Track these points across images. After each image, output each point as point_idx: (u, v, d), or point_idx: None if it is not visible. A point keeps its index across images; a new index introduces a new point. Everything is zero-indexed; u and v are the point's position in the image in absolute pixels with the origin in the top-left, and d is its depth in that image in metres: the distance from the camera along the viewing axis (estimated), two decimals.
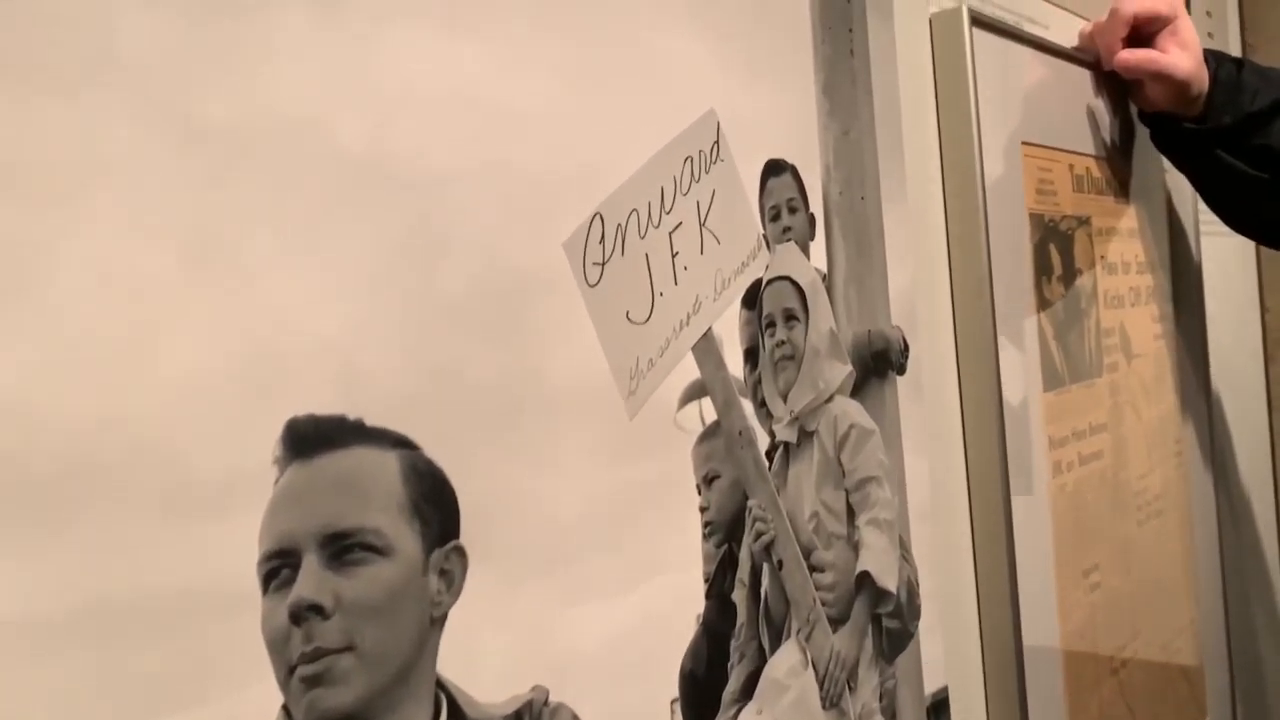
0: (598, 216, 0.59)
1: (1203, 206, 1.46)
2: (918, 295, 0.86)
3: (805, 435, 0.73)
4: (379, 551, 0.47)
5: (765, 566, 0.69)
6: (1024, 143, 0.99)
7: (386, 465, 0.48)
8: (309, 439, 0.45)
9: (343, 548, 0.46)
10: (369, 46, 0.48)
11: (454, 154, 0.51)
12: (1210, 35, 1.58)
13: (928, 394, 0.86)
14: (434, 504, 0.49)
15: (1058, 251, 1.03)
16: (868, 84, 0.82)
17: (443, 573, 0.50)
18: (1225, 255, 1.60)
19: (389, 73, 0.49)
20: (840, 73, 0.79)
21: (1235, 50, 1.75)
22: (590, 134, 0.59)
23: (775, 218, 0.72)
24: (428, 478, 0.49)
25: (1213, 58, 1.09)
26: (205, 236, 0.43)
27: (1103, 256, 1.12)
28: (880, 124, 0.82)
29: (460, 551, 0.50)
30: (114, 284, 0.40)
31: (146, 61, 0.41)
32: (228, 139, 0.43)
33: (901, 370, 0.83)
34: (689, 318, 0.65)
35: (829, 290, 0.77)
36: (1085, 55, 1.11)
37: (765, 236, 0.72)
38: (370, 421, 0.47)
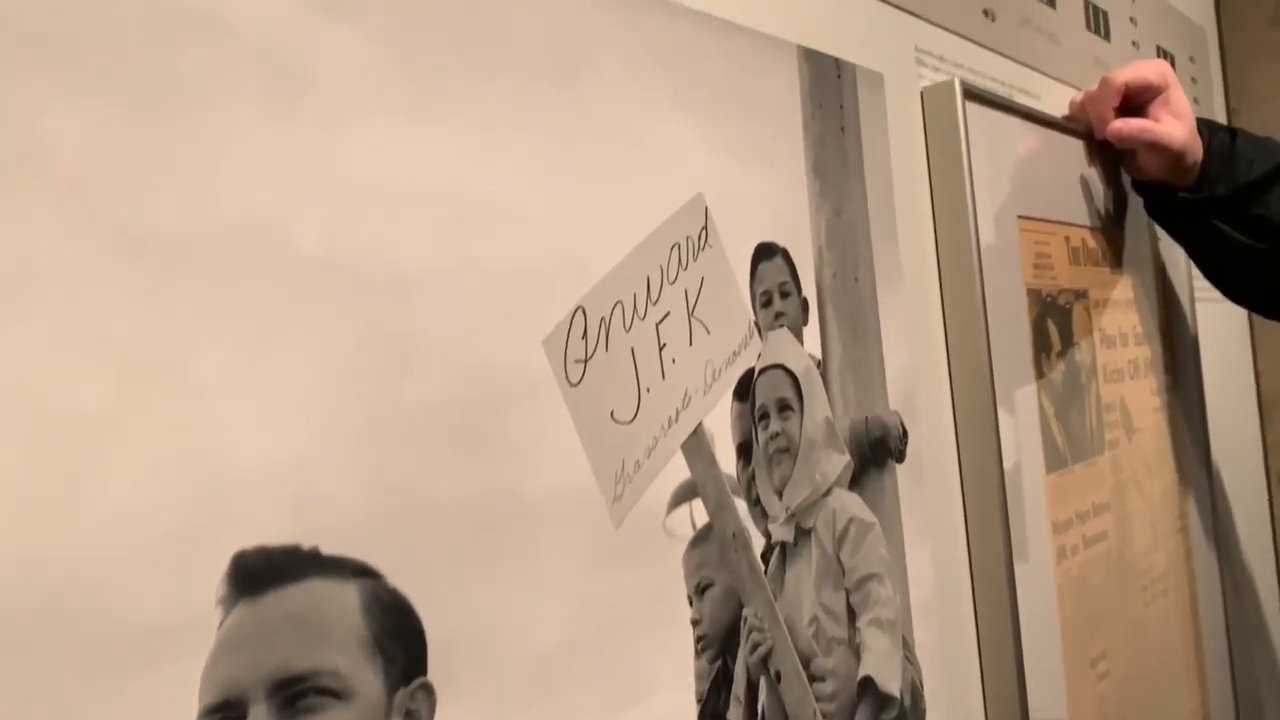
0: (580, 311, 0.55)
1: (1196, 274, 1.44)
2: (916, 379, 0.82)
3: (802, 533, 0.69)
4: (336, 695, 0.42)
5: (762, 680, 0.64)
6: (1020, 216, 0.96)
7: (345, 598, 0.43)
8: (258, 574, 0.40)
9: (295, 694, 0.41)
10: (328, 140, 0.45)
11: (420, 252, 0.48)
12: (1196, 100, 1.57)
13: (928, 481, 0.82)
14: (398, 638, 0.45)
15: (1056, 327, 1.00)
16: (860, 162, 0.79)
17: (408, 714, 0.45)
18: (1217, 319, 1.58)
19: (349, 168, 0.45)
20: (831, 151, 0.76)
21: (1220, 115, 1.75)
22: (570, 225, 0.55)
23: (767, 303, 0.69)
24: (391, 609, 0.44)
25: (1206, 127, 1.07)
26: (144, 355, 0.38)
27: (1101, 330, 1.09)
28: (873, 203, 0.79)
29: (427, 689, 0.46)
30: (40, 411, 0.36)
31: (78, 161, 0.37)
32: (170, 246, 0.39)
33: (901, 458, 0.79)
34: (678, 414, 0.61)
35: (824, 377, 0.73)
36: (1077, 125, 1.09)
37: (757, 323, 0.68)
38: (327, 550, 0.43)
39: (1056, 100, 1.12)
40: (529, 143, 0.54)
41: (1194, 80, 1.58)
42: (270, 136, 0.42)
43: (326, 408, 0.43)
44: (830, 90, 0.77)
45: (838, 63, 0.78)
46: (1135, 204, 1.18)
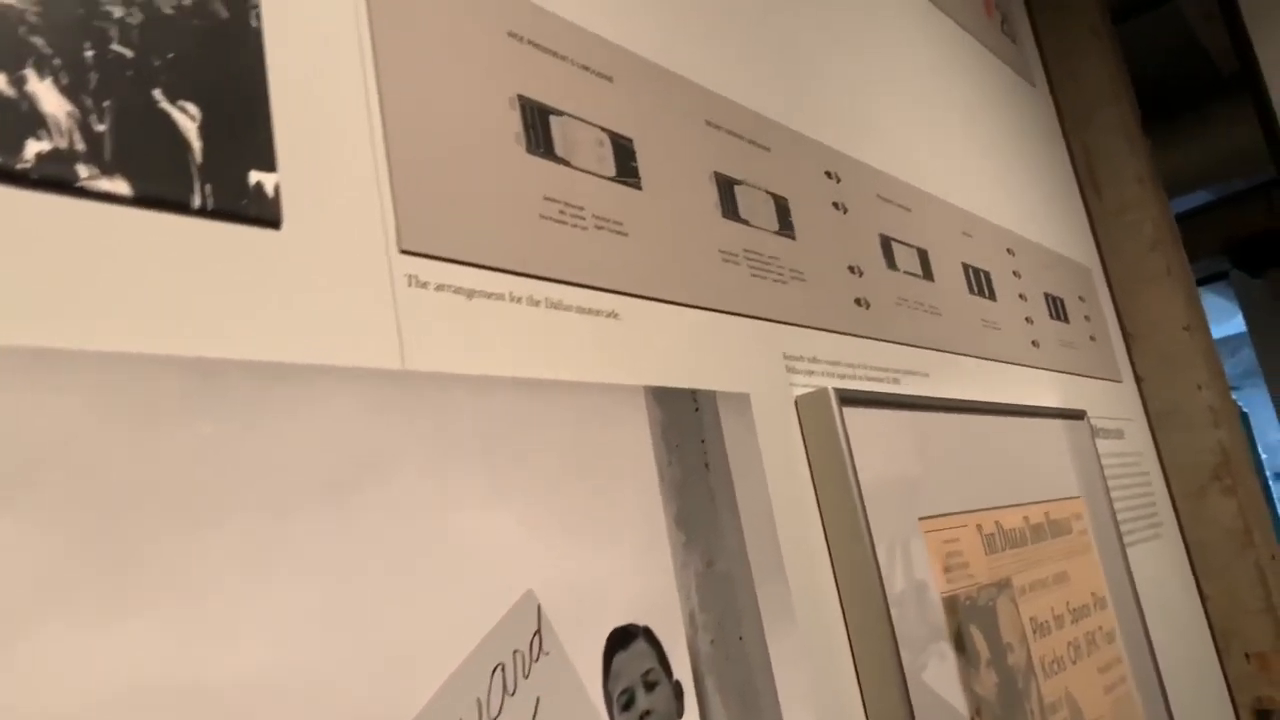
0: None
1: (1122, 516, 1.38)
2: None
3: None
4: None
5: None
6: (922, 518, 0.88)
7: None
8: None
9: None
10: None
11: None
12: (1093, 338, 1.56)
13: None
14: None
15: (981, 632, 0.90)
16: (731, 498, 0.70)
17: None
18: (1148, 558, 1.50)
19: (17, 690, 0.34)
20: (696, 495, 0.67)
21: (1118, 345, 1.74)
22: (350, 690, 0.44)
23: (628, 704, 0.58)
24: None
25: None
26: None
27: (1033, 619, 0.99)
28: (752, 541, 0.70)
29: None
30: None
31: None
32: None
33: None
34: None
35: None
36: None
37: None
38: None
39: (950, 373, 1.07)
40: (289, 592, 0.44)
41: (1087, 318, 1.57)
42: None
43: None
44: (688, 427, 0.69)
45: (694, 395, 0.70)
46: (1046, 458, 1.11)
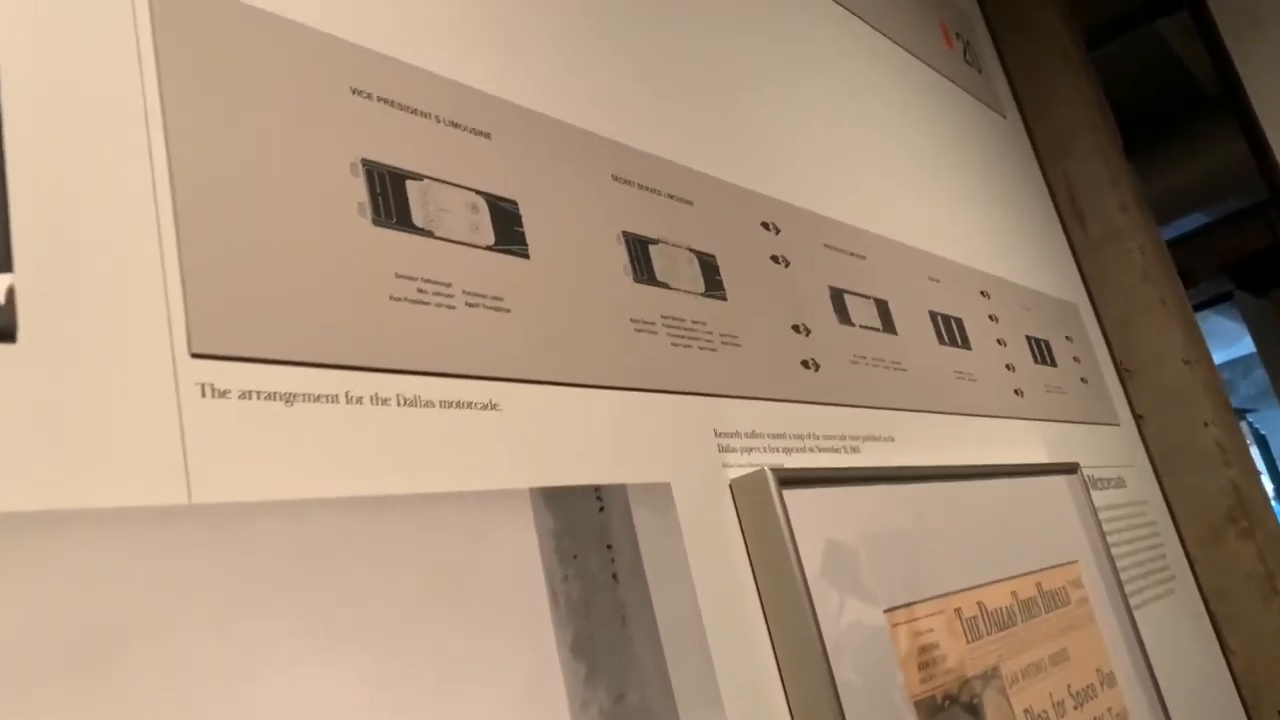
0: None
1: (1129, 574, 1.27)
2: None
3: None
4: None
5: None
6: (887, 610, 0.77)
7: None
8: None
9: None
10: None
11: None
12: (1084, 379, 1.46)
13: None
14: None
15: None
16: (647, 614, 0.60)
17: None
18: (1163, 617, 1.38)
19: None
20: (600, 615, 0.57)
21: (1112, 382, 1.64)
22: None
23: None
24: None
25: None
26: None
27: (1027, 711, 0.88)
28: (676, 663, 0.60)
29: None
30: None
31: None
32: None
33: None
34: None
35: None
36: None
37: None
38: None
39: (920, 435, 0.97)
40: None
41: (1076, 359, 1.47)
42: None
43: None
44: (589, 532, 0.59)
45: (598, 492, 0.60)
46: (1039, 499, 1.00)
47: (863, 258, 1.02)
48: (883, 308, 1.01)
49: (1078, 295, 1.66)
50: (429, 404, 0.53)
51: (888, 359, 0.98)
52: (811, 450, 0.82)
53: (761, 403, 0.79)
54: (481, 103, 0.65)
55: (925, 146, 1.31)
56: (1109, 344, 1.70)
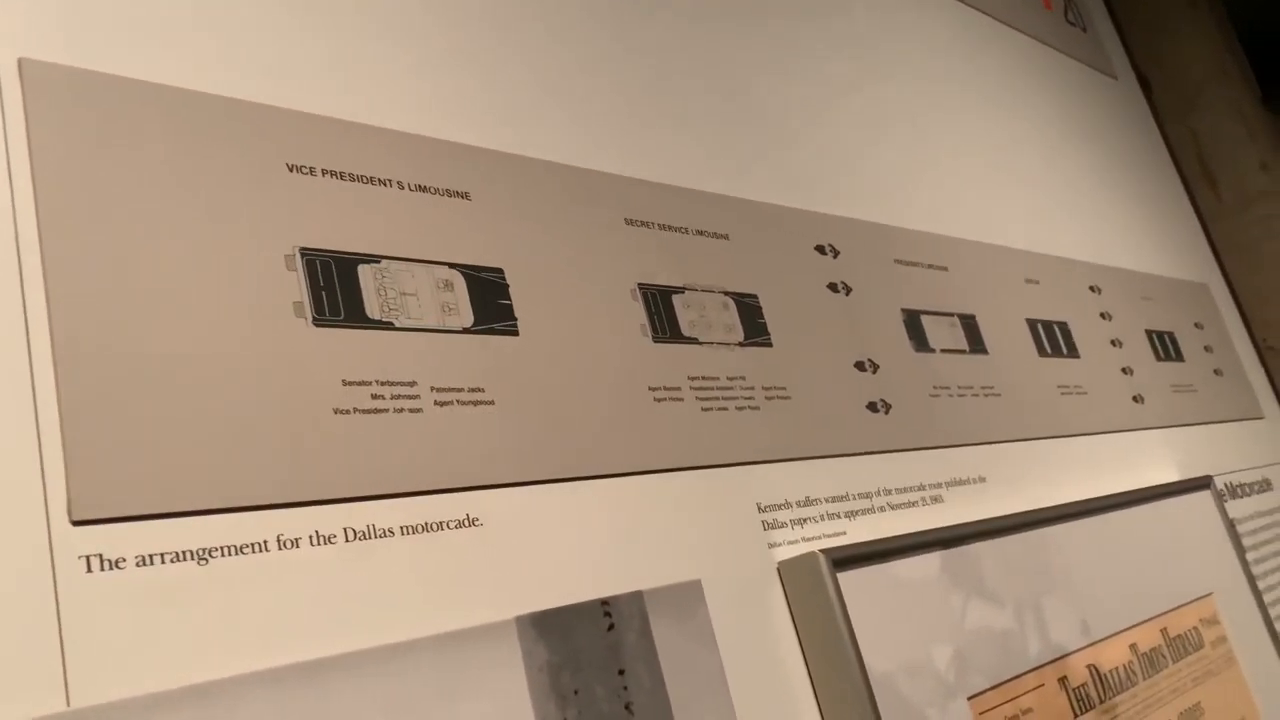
0: None
1: (1275, 597, 1.12)
2: None
3: None
4: None
5: None
6: (972, 697, 0.67)
7: None
8: None
9: None
10: None
11: None
12: (1217, 371, 1.29)
13: None
14: None
15: None
16: None
17: None
18: None
19: None
20: None
21: (1253, 364, 1.45)
22: None
23: None
24: None
25: None
26: None
27: None
28: None
29: None
30: None
31: None
32: None
33: None
34: None
35: None
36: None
37: None
38: None
39: (1018, 469, 0.85)
40: None
41: (1208, 349, 1.30)
42: None
43: None
44: (595, 658, 0.50)
45: (605, 606, 0.52)
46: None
47: (944, 269, 0.90)
48: (969, 325, 0.89)
49: (1209, 272, 1.48)
50: (386, 533, 0.46)
51: (977, 385, 0.86)
52: (882, 510, 0.72)
53: (818, 462, 0.69)
54: (456, 156, 0.57)
55: (1020, 128, 1.17)
56: (1247, 323, 1.52)
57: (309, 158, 0.50)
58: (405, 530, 0.46)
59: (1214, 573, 1.00)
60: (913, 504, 0.75)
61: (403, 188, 0.53)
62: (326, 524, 0.44)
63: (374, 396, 0.47)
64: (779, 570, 0.62)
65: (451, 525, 0.48)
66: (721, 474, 0.62)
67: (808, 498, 0.67)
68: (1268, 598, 1.10)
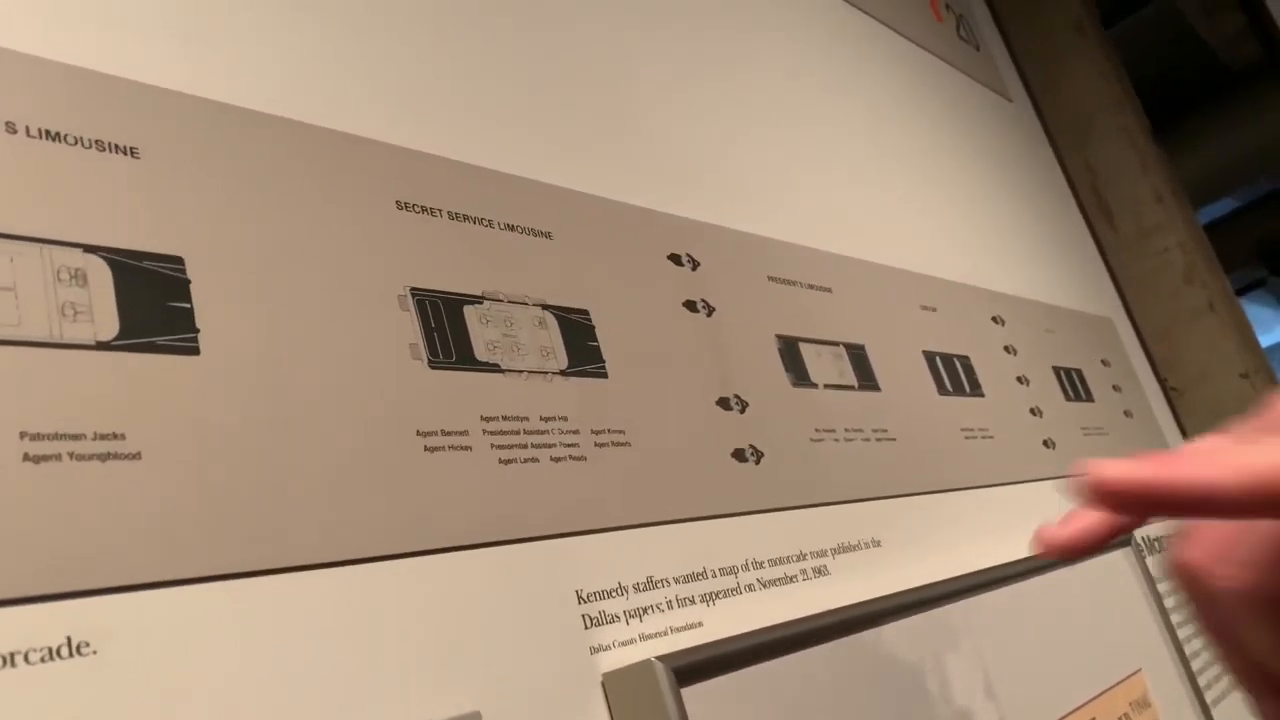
0: None
1: (1202, 663, 0.99)
2: None
3: None
4: None
5: None
6: None
7: None
8: None
9: None
10: None
11: None
12: (1129, 414, 1.18)
13: None
14: None
15: None
16: None
17: None
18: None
19: None
20: None
21: (1158, 402, 1.36)
22: None
23: None
24: None
25: None
26: None
27: None
28: None
29: None
30: None
31: None
32: None
33: None
34: None
35: None
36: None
37: None
38: None
39: (919, 529, 0.70)
40: None
41: (1116, 388, 1.19)
42: None
43: None
44: None
45: None
46: None
47: (827, 290, 0.76)
48: (857, 356, 0.74)
49: (1112, 307, 1.38)
50: None
51: (868, 428, 0.71)
52: (750, 588, 0.55)
53: (666, 529, 0.52)
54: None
55: (910, 141, 1.04)
56: (1151, 360, 1.42)
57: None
58: None
59: (1140, 644, 0.87)
60: (791, 578, 0.58)
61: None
62: None
63: None
64: (604, 685, 0.45)
65: (35, 657, 0.30)
66: (525, 551, 0.45)
67: (650, 578, 0.50)
68: (1195, 663, 0.97)
